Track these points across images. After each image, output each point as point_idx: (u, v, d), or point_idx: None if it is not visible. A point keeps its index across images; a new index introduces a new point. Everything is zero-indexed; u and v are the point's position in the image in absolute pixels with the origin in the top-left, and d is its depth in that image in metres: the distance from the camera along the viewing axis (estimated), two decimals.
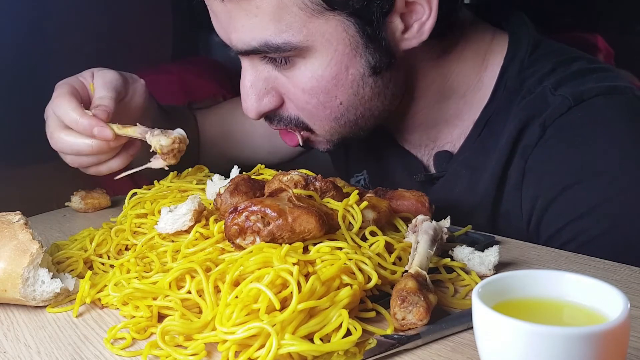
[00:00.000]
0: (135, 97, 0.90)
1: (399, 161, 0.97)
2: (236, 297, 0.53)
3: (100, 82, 0.86)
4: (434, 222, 0.65)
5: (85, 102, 0.84)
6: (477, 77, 0.87)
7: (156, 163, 0.80)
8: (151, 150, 0.80)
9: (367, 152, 1.03)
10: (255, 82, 0.81)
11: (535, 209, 0.81)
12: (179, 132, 0.80)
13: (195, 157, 1.14)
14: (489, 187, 0.84)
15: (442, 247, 0.66)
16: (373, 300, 0.58)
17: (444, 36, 0.83)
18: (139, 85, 0.91)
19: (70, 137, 0.82)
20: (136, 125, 0.81)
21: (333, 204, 0.64)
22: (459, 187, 0.88)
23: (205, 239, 0.63)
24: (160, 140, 0.78)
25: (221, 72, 1.94)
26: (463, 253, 0.66)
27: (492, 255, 0.64)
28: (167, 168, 0.80)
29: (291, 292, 0.51)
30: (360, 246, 0.61)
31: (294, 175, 0.66)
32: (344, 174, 1.07)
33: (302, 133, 0.87)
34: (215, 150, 1.15)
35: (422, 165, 0.94)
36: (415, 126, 0.91)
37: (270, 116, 0.85)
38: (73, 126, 0.81)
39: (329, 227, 0.61)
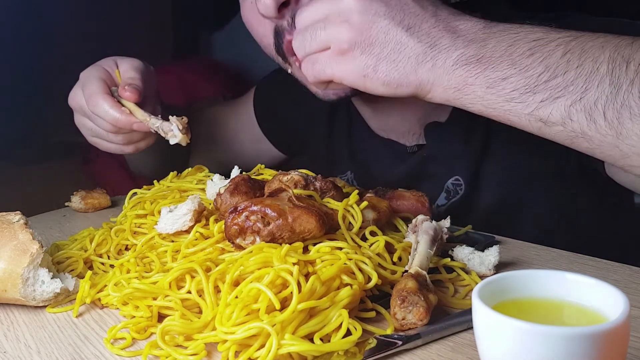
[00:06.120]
0: (152, 84, 0.92)
1: (384, 152, 0.96)
2: (236, 297, 0.53)
3: (128, 66, 0.89)
4: (434, 222, 0.65)
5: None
6: None
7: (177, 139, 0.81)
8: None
9: (350, 152, 1.02)
10: None
11: None
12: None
13: (186, 158, 1.14)
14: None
15: (442, 247, 0.66)
16: (373, 300, 0.58)
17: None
18: (153, 73, 0.94)
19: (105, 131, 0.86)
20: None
21: (333, 204, 0.64)
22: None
23: (205, 239, 0.63)
24: (178, 124, 0.81)
25: (221, 72, 1.95)
26: (463, 253, 0.66)
27: (492, 255, 0.64)
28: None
29: (291, 292, 0.51)
30: (360, 246, 0.61)
31: (294, 175, 0.66)
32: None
33: None
34: (204, 153, 1.16)
35: (406, 149, 0.94)
36: (410, 115, 0.91)
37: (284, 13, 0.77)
38: (114, 123, 0.84)
39: (329, 227, 0.61)
